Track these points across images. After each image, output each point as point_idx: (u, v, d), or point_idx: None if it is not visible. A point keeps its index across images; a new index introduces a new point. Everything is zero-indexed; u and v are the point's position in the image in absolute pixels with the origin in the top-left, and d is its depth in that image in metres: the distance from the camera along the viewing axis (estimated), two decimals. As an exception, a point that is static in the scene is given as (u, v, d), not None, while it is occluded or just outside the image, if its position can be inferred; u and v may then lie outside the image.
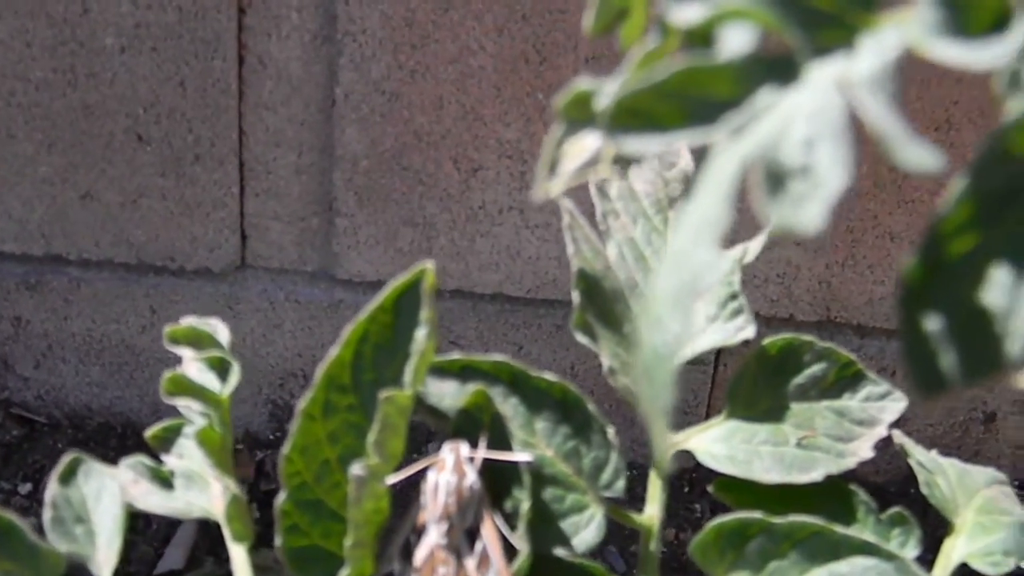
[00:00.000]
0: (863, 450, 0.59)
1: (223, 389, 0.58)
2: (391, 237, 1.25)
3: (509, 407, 0.55)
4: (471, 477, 0.52)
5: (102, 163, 1.22)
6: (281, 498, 0.53)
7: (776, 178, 0.26)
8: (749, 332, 0.59)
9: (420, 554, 0.53)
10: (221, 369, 0.59)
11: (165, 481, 0.58)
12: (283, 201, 1.25)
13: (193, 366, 0.61)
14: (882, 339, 1.28)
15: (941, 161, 0.25)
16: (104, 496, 0.55)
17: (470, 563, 0.52)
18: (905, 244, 1.25)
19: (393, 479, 0.51)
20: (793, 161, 0.26)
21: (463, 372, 0.55)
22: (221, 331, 0.62)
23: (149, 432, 0.61)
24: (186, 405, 0.58)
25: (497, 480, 0.53)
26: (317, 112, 1.20)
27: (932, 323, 0.28)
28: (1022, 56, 0.28)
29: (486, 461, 0.52)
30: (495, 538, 0.53)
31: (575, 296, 0.56)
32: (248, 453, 1.33)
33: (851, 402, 0.60)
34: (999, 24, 0.27)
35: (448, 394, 0.55)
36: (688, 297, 0.26)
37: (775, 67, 0.28)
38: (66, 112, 1.20)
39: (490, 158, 1.21)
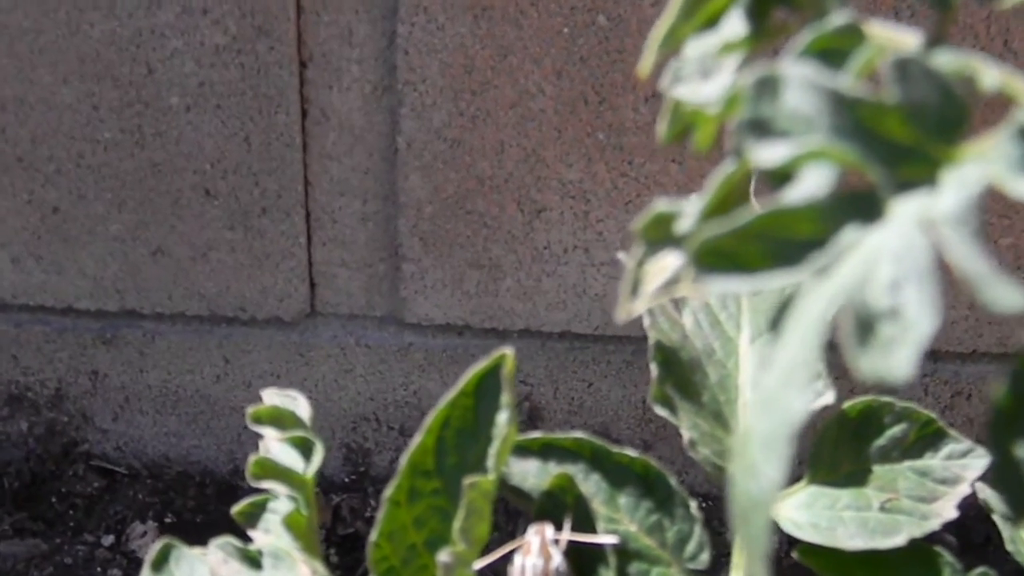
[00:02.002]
0: (947, 510, 0.59)
1: (307, 469, 0.59)
2: (458, 280, 1.26)
3: (591, 484, 0.56)
4: (557, 559, 0.52)
5: (171, 219, 1.24)
6: (370, 584, 0.54)
7: (864, 323, 0.26)
8: (829, 398, 0.59)
9: (509, 634, 0.54)
10: (304, 448, 0.60)
11: (254, 561, 0.59)
12: (350, 249, 1.26)
13: (276, 445, 0.62)
14: (956, 363, 1.27)
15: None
16: (196, 582, 0.56)
17: (559, 642, 0.53)
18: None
19: (480, 564, 0.51)
20: (880, 304, 0.27)
21: (544, 450, 0.56)
22: (302, 407, 0.63)
23: (235, 509, 0.62)
24: (272, 487, 0.59)
25: (583, 561, 0.53)
26: (380, 161, 1.22)
27: (1021, 449, 0.29)
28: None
29: (571, 543, 0.53)
30: (583, 617, 0.53)
31: (653, 368, 0.57)
32: (324, 497, 1.34)
33: (933, 461, 0.60)
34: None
35: (531, 473, 0.55)
36: (782, 443, 0.27)
37: (858, 204, 0.28)
38: (135, 171, 1.22)
39: (553, 199, 1.22)
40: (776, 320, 0.28)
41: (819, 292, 0.27)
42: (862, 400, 0.60)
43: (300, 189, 1.23)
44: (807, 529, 0.57)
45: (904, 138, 0.28)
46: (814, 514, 0.58)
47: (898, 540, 0.57)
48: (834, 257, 0.28)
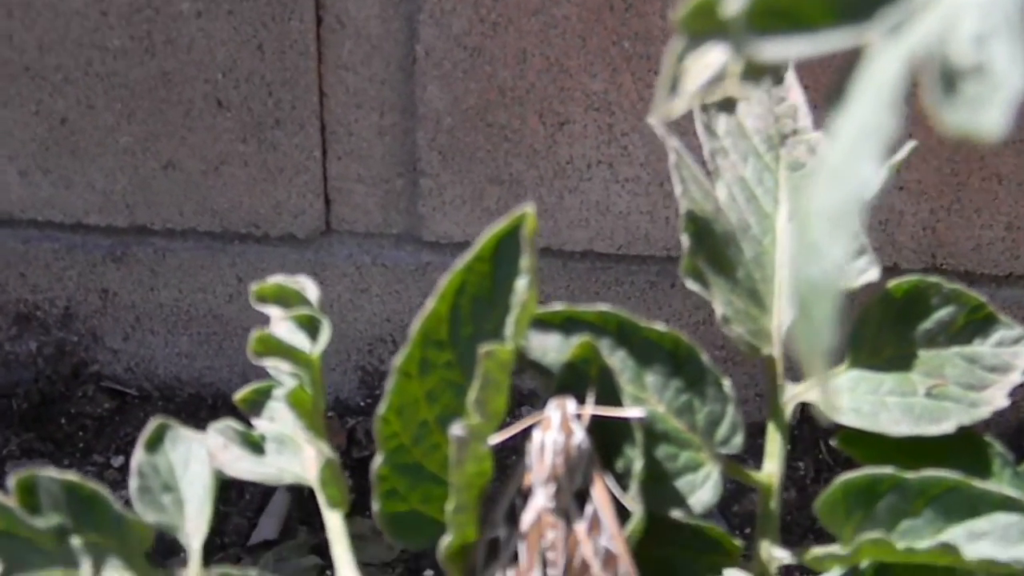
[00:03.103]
0: (998, 398, 0.55)
1: (313, 348, 0.56)
2: (477, 196, 1.22)
3: (617, 360, 0.52)
4: (579, 435, 0.48)
5: (182, 131, 1.20)
6: (378, 462, 0.50)
7: (948, 78, 0.22)
8: (873, 274, 0.55)
9: (527, 518, 0.50)
10: (311, 327, 0.56)
11: (256, 446, 0.56)
12: (366, 163, 1.22)
13: (282, 325, 0.58)
14: (991, 286, 1.23)
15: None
16: (192, 463, 0.53)
17: (580, 527, 0.49)
18: (1013, 186, 1.19)
19: (496, 439, 0.48)
20: (964, 60, 0.23)
21: (566, 324, 0.52)
22: (310, 288, 0.59)
23: (238, 395, 0.58)
24: (275, 366, 0.56)
25: (607, 438, 0.50)
26: (398, 71, 1.17)
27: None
28: None
29: (595, 418, 0.49)
30: (606, 500, 0.49)
31: (684, 240, 0.53)
32: (339, 421, 1.31)
33: (983, 347, 0.56)
34: None
35: (551, 348, 0.52)
36: (850, 217, 0.23)
37: (939, -48, 0.24)
38: (145, 80, 1.18)
39: (577, 111, 1.18)
40: (837, 87, 0.24)
41: (893, 51, 0.23)
42: (908, 279, 0.56)
43: (315, 100, 1.19)
44: (849, 414, 0.53)
45: None
46: (856, 398, 0.54)
47: (946, 427, 0.53)
48: (909, 13, 0.24)
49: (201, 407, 1.35)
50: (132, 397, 1.35)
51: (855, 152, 0.23)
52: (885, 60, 0.24)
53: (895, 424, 0.53)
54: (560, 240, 1.24)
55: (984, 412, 0.55)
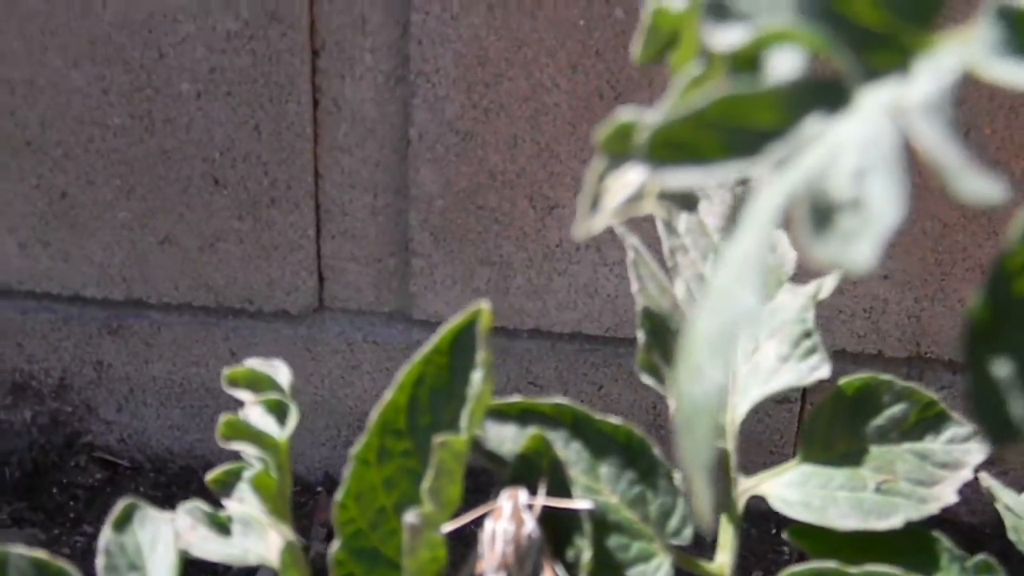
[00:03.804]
0: (947, 495, 0.56)
1: (282, 433, 0.57)
2: (468, 277, 1.24)
3: (572, 452, 0.53)
4: (530, 525, 0.50)
5: (180, 207, 1.22)
6: (335, 547, 0.51)
7: (823, 213, 0.24)
8: (824, 372, 0.56)
9: (481, 605, 0.51)
10: (280, 412, 0.58)
11: (223, 527, 0.57)
12: (359, 242, 1.24)
13: (255, 409, 0.60)
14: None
15: (1003, 192, 0.23)
16: (159, 544, 0.54)
17: (532, 615, 0.50)
18: (996, 278, 1.21)
19: (449, 527, 0.49)
20: (842, 194, 0.24)
21: (523, 416, 0.53)
22: (282, 373, 0.61)
23: (209, 476, 0.60)
24: (242, 449, 0.57)
25: (557, 528, 0.51)
26: (392, 153, 1.20)
27: (1000, 367, 0.26)
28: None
29: (546, 509, 0.50)
30: (557, 588, 0.51)
31: (640, 336, 0.54)
32: (328, 496, 1.32)
33: (934, 444, 0.57)
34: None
35: (508, 438, 0.53)
36: (729, 343, 0.24)
37: (823, 93, 0.26)
38: (144, 157, 1.20)
39: (566, 195, 1.20)
40: (732, 216, 0.26)
41: (777, 184, 0.25)
42: (860, 377, 0.57)
43: (310, 180, 1.21)
44: (798, 508, 0.54)
45: (875, 23, 0.26)
46: (806, 493, 0.55)
47: (894, 522, 0.54)
48: (795, 148, 0.26)
49: (192, 479, 1.36)
50: (124, 468, 1.36)
51: (737, 279, 0.25)
52: (769, 193, 0.25)
53: (843, 518, 0.54)
54: (549, 322, 1.26)
55: (933, 508, 0.56)
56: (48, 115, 1.19)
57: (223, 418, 0.56)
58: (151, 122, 1.19)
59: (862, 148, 0.25)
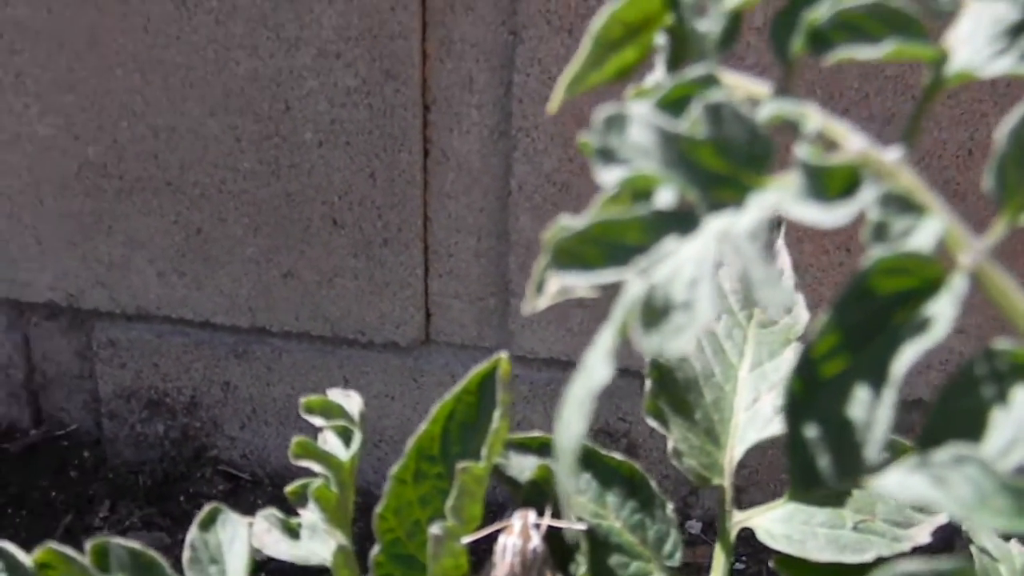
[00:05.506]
0: (920, 536, 0.64)
1: (346, 454, 0.67)
2: (562, 318, 1.34)
3: (583, 481, 0.62)
4: (535, 541, 0.59)
5: (301, 245, 1.35)
6: (375, 551, 0.61)
7: (656, 312, 0.33)
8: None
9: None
10: (345, 435, 0.68)
11: (293, 532, 0.67)
12: (463, 282, 1.35)
13: (328, 434, 0.71)
14: None
15: (792, 303, 0.32)
16: (236, 542, 0.65)
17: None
18: None
19: (468, 539, 0.58)
20: (680, 297, 0.33)
21: (541, 448, 0.63)
22: (353, 402, 0.71)
23: (288, 488, 0.70)
24: (311, 466, 0.68)
25: (562, 547, 0.60)
26: (494, 200, 1.30)
27: (810, 430, 0.34)
28: (884, 210, 0.34)
29: (551, 528, 0.60)
30: (561, 598, 0.60)
31: (647, 384, 0.63)
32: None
33: (912, 490, 0.65)
34: (849, 189, 0.33)
35: (527, 468, 0.62)
36: (587, 403, 0.33)
37: (679, 219, 0.35)
38: (270, 199, 1.33)
39: (654, 245, 1.29)
40: (610, 309, 0.35)
41: (636, 287, 0.34)
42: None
43: (419, 224, 1.32)
44: (780, 540, 0.62)
45: (718, 168, 0.35)
46: (789, 527, 0.63)
47: (867, 557, 0.62)
48: (654, 261, 0.35)
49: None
50: (245, 481, 1.48)
51: (598, 357, 0.34)
52: (631, 292, 0.34)
53: (820, 551, 0.62)
54: (637, 361, 1.34)
55: (906, 546, 0.63)
56: (186, 159, 1.32)
57: (295, 439, 0.66)
58: (277, 167, 1.31)
59: (697, 263, 0.33)
